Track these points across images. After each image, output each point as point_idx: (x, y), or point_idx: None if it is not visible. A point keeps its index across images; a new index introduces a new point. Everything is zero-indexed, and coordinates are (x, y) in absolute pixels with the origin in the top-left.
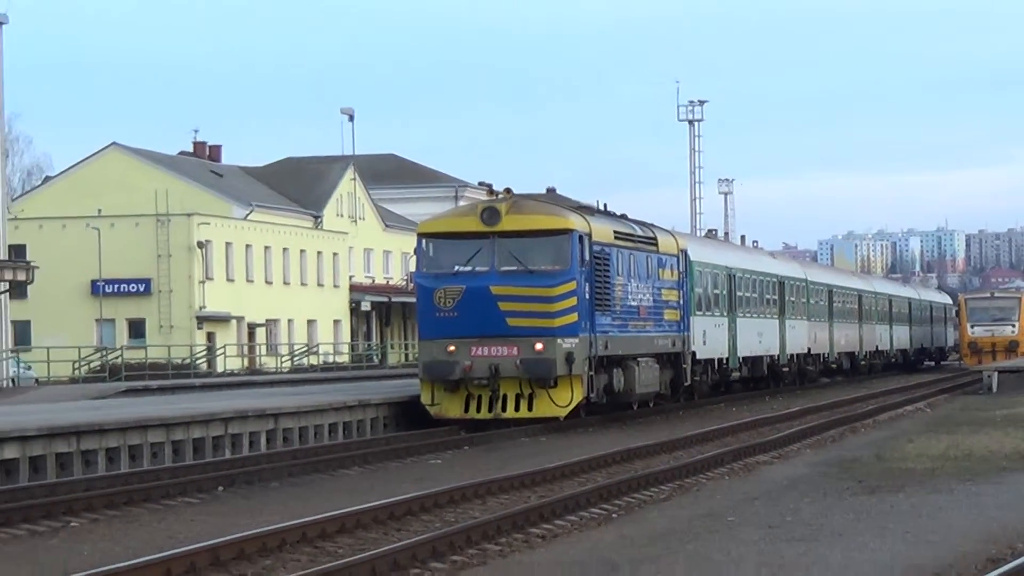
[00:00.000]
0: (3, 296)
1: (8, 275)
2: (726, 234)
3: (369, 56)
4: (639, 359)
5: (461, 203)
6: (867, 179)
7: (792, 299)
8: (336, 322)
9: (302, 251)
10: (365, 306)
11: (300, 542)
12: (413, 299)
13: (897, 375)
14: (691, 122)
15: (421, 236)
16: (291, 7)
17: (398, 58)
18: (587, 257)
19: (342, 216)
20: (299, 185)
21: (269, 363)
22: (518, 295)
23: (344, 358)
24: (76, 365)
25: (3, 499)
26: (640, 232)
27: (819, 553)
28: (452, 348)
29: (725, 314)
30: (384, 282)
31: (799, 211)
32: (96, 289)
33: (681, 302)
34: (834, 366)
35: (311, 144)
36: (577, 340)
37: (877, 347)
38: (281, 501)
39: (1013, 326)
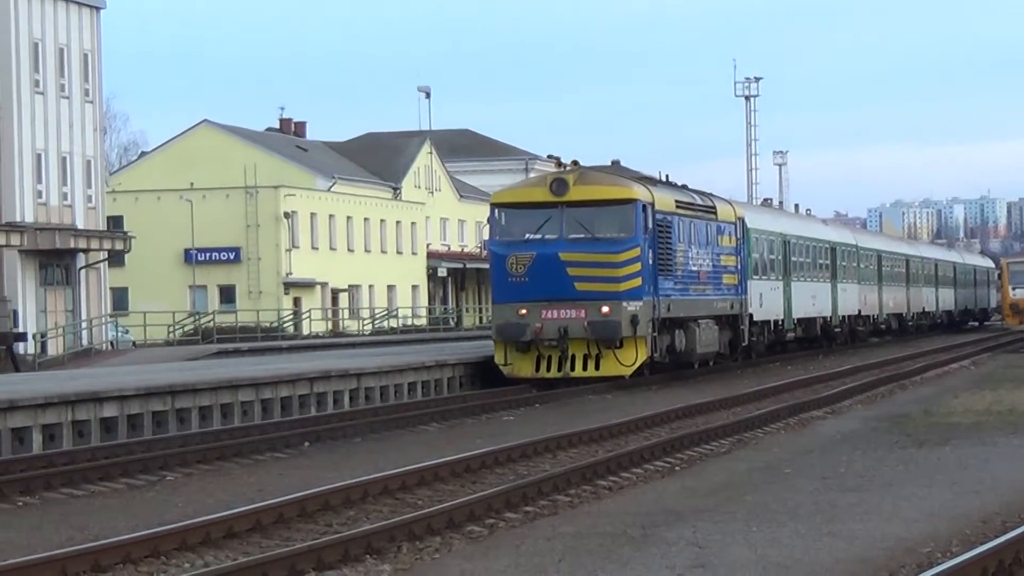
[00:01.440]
0: (102, 264)
1: (107, 245)
2: (780, 203)
3: (445, 36)
4: (699, 321)
5: (531, 175)
6: (914, 150)
7: (843, 264)
8: (414, 287)
9: (382, 221)
10: (441, 272)
11: (382, 494)
12: (486, 265)
13: (943, 335)
14: (747, 98)
15: (494, 206)
16: None
17: (472, 37)
18: (650, 225)
19: (419, 187)
20: (379, 159)
21: (351, 326)
22: (585, 261)
23: (422, 321)
24: (171, 329)
25: (103, 455)
26: (700, 201)
27: (870, 503)
28: (524, 311)
29: (780, 278)
30: (459, 249)
31: (849, 181)
32: (189, 257)
33: (739, 267)
34: (883, 327)
35: (390, 120)
36: (641, 303)
37: (924, 308)
38: (364, 456)
39: None
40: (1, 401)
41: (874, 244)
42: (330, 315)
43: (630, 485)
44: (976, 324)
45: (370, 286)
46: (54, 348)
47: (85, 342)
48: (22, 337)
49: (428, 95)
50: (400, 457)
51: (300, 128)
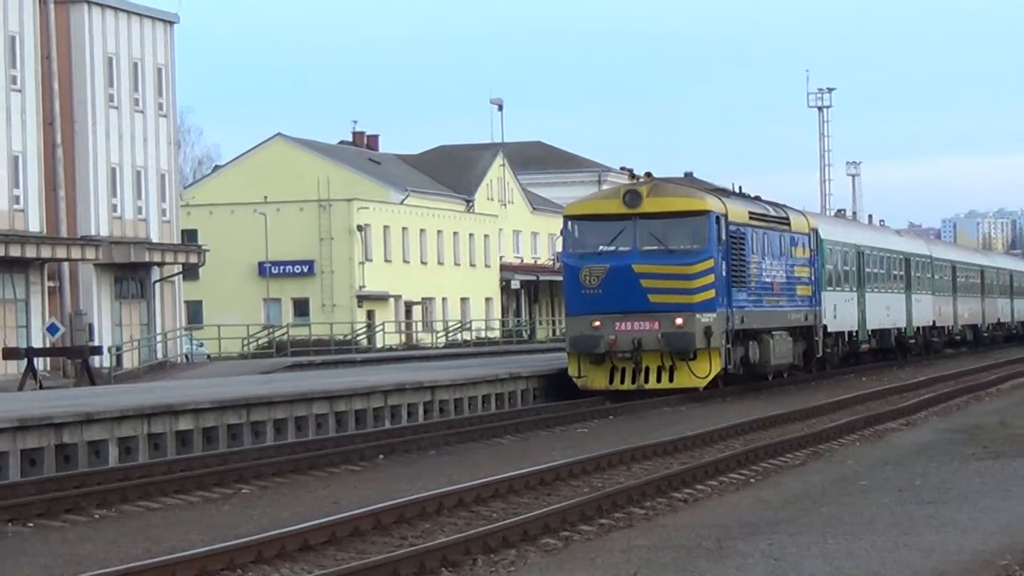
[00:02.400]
0: (177, 278)
1: (181, 258)
2: (854, 213)
3: (517, 47)
4: (773, 332)
5: (604, 187)
6: (987, 160)
7: (918, 274)
8: (487, 300)
9: (455, 233)
10: (514, 284)
11: (456, 507)
12: (560, 277)
13: (1018, 346)
14: (820, 108)
15: (567, 218)
16: (441, 4)
17: (544, 48)
18: (724, 236)
19: (492, 200)
20: (452, 171)
21: (425, 339)
22: (659, 273)
23: (495, 333)
24: (245, 342)
25: (179, 467)
26: (773, 212)
27: (947, 515)
28: (597, 323)
29: (854, 289)
30: (532, 261)
31: (923, 191)
32: (263, 270)
33: (813, 278)
34: (958, 338)
35: (462, 132)
36: (715, 315)
37: (999, 319)
38: (438, 468)
39: None
40: (78, 414)
41: (948, 255)
42: (403, 328)
43: (705, 497)
44: None
45: (443, 299)
46: (129, 361)
47: (160, 355)
48: (98, 351)
49: (501, 107)
50: (474, 469)
51: (373, 141)
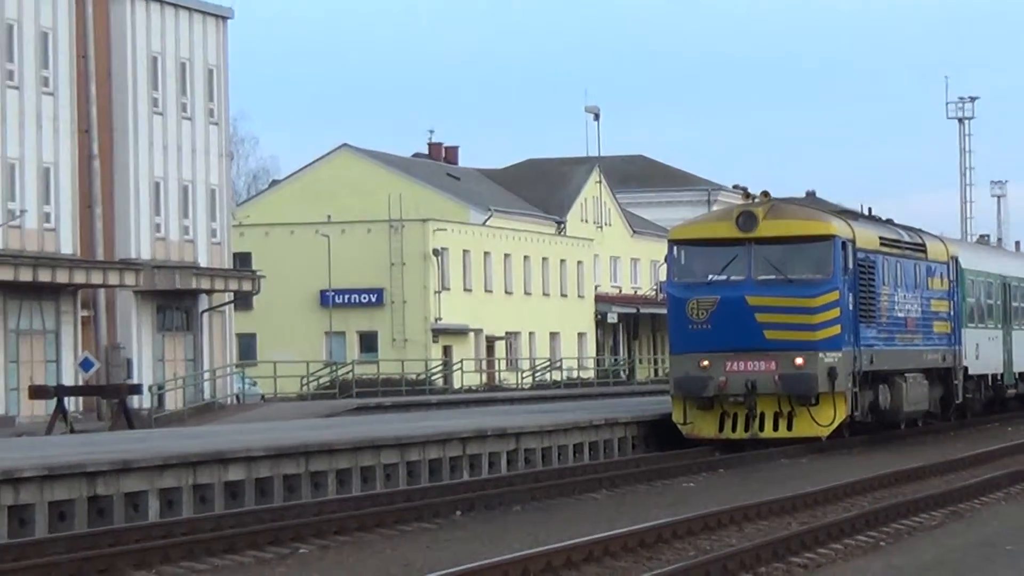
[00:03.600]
0: (228, 307)
1: (233, 285)
2: (999, 240)
3: (615, 50)
4: (906, 375)
5: (715, 207)
6: None
7: None
8: (581, 335)
9: (544, 259)
10: (612, 318)
11: (544, 571)
12: (663, 310)
13: None
14: (961, 120)
15: (672, 243)
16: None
17: (646, 52)
18: (851, 265)
19: (587, 221)
20: (541, 188)
21: (509, 379)
22: (777, 306)
23: (589, 373)
24: (304, 381)
25: (229, 523)
26: (907, 238)
27: None
28: (706, 363)
29: (999, 326)
30: (632, 292)
31: None
32: (325, 300)
33: (952, 313)
34: None
35: (553, 145)
36: (840, 354)
37: None
38: (523, 527)
39: None
40: (114, 462)
41: None
42: (485, 366)
43: (828, 563)
44: None
45: (530, 333)
46: (172, 402)
47: (207, 395)
48: (137, 389)
49: (597, 116)
50: (565, 529)
51: (451, 154)
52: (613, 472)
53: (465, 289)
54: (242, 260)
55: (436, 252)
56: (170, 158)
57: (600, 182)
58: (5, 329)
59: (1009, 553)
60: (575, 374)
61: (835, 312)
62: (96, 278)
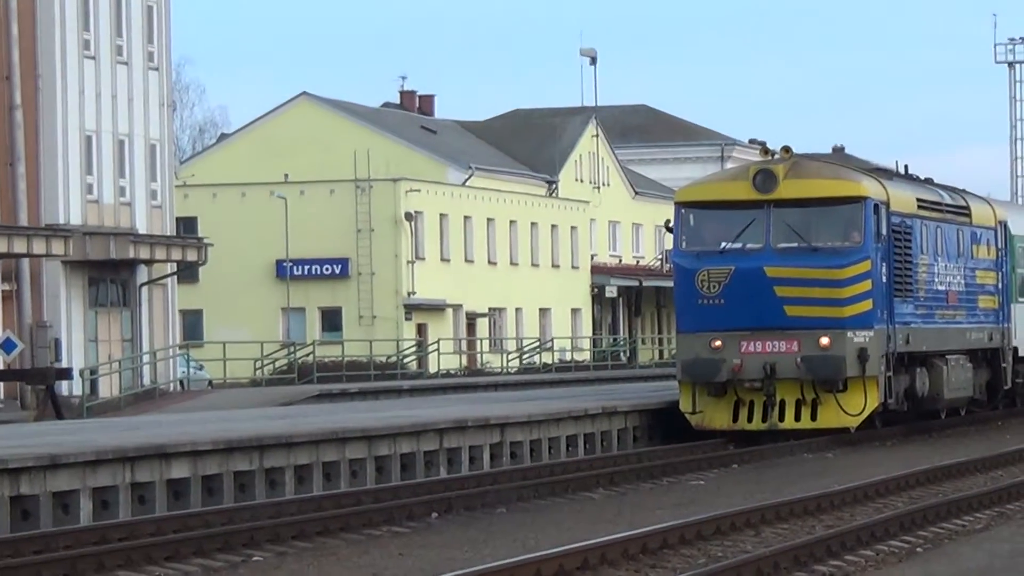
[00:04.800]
0: (170, 280)
1: (176, 255)
2: None
3: None
4: (948, 356)
5: (728, 165)
6: None
7: None
8: (575, 311)
9: (533, 224)
10: (610, 292)
11: None
12: (669, 283)
13: None
14: (1011, 64)
15: (680, 205)
16: None
17: None
18: (884, 231)
19: (582, 181)
20: (529, 143)
21: (493, 362)
22: (799, 278)
23: (584, 355)
24: (258, 364)
25: (172, 527)
26: (949, 200)
27: None
28: (718, 343)
29: None
30: (633, 262)
31: None
32: (282, 271)
33: (1000, 286)
34: None
35: (543, 94)
36: (872, 333)
37: None
38: (508, 531)
39: None
40: (39, 457)
41: None
42: (465, 347)
43: (858, 571)
44: None
45: (517, 310)
46: (107, 388)
47: (147, 381)
48: (66, 374)
49: (594, 60)
50: (556, 533)
51: (426, 104)
52: (612, 468)
53: (442, 259)
54: (186, 226)
55: (409, 216)
56: (104, 109)
57: (597, 136)
58: None
59: None
60: (568, 356)
61: (866, 285)
62: (19, 246)
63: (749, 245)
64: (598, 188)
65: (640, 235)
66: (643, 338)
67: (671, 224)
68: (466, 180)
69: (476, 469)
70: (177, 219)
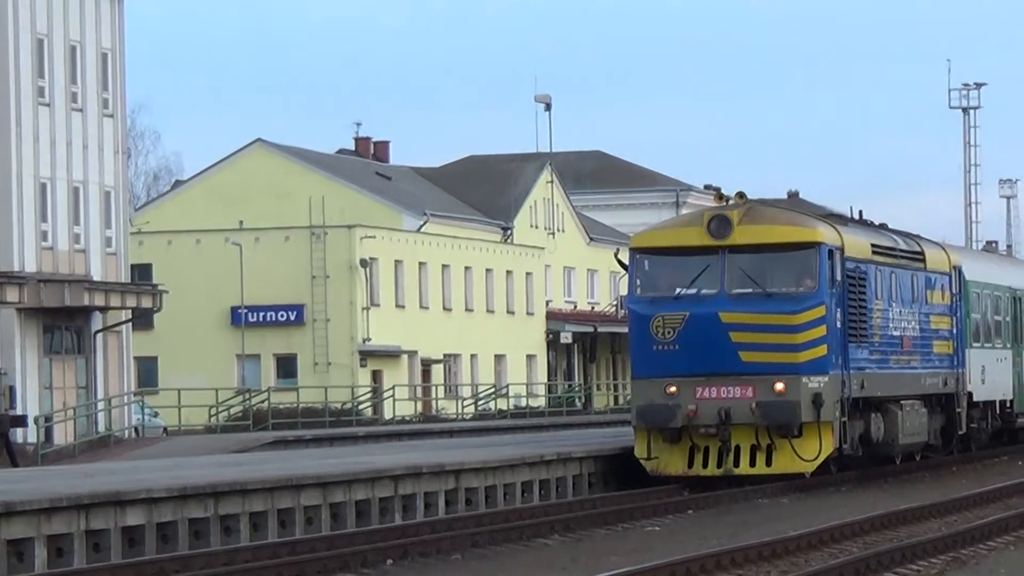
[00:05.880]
0: (125, 327)
1: (131, 302)
2: (1008, 247)
3: (568, 34)
4: (903, 402)
5: (683, 211)
6: None
7: None
8: (530, 358)
9: (488, 270)
10: (565, 338)
11: None
12: (624, 329)
13: None
14: (965, 110)
15: (634, 251)
16: None
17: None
18: (839, 276)
19: (537, 227)
20: (484, 189)
21: (448, 408)
22: (754, 324)
23: (540, 401)
24: (213, 411)
25: (126, 574)
26: (903, 245)
27: None
28: (673, 389)
29: (1009, 346)
30: (588, 308)
31: None
32: (237, 318)
33: (954, 331)
34: None
35: (498, 140)
36: (826, 379)
37: None
38: None
39: None
40: None
41: None
42: (420, 393)
43: None
44: None
45: (472, 356)
46: (62, 436)
47: (102, 428)
48: (21, 421)
49: (548, 107)
50: None
51: (382, 150)
52: (567, 514)
53: (397, 305)
54: (141, 273)
55: (364, 263)
56: (58, 155)
57: (552, 182)
58: None
59: None
60: (523, 402)
61: (821, 330)
62: None
63: (704, 291)
64: (553, 234)
65: (595, 281)
66: (598, 384)
67: (624, 260)
68: (421, 226)
69: (431, 515)
70: (132, 266)
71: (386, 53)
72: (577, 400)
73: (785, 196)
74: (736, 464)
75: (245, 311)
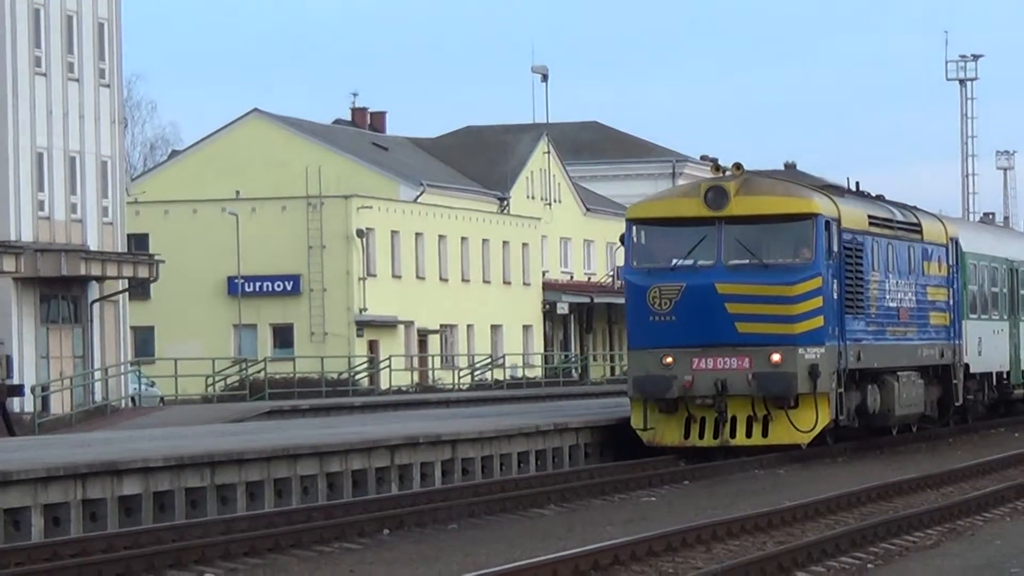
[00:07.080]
0: (122, 297)
1: (128, 271)
2: (1005, 218)
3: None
4: (899, 373)
5: (680, 181)
6: None
7: None
8: (526, 328)
9: (484, 241)
10: (562, 308)
11: None
12: (621, 300)
13: None
14: (963, 82)
15: (631, 222)
16: None
17: (602, 6)
18: (835, 247)
19: (533, 198)
20: (480, 160)
21: (444, 378)
22: (750, 294)
23: (536, 372)
24: (210, 381)
25: (123, 543)
26: (900, 217)
27: None
28: (669, 360)
29: (1005, 317)
30: (585, 279)
31: None
32: (234, 288)
33: (951, 303)
34: None
35: (495, 110)
36: (823, 350)
37: None
38: (459, 547)
39: None
40: None
41: None
42: (416, 364)
43: None
44: None
45: (469, 326)
46: (59, 405)
47: (99, 397)
48: (17, 391)
49: (545, 77)
50: (507, 549)
51: (378, 120)
52: (563, 484)
53: (394, 276)
54: (138, 242)
55: (360, 233)
56: (55, 125)
57: (548, 153)
58: None
59: (1013, 575)
60: (520, 372)
61: (817, 302)
62: None
63: (700, 262)
64: (549, 205)
65: (591, 252)
66: (594, 355)
67: (623, 240)
68: (417, 197)
69: (427, 486)
70: (128, 236)
71: (383, 23)
72: (573, 371)
73: (782, 167)
74: (732, 435)
75: (242, 281)
